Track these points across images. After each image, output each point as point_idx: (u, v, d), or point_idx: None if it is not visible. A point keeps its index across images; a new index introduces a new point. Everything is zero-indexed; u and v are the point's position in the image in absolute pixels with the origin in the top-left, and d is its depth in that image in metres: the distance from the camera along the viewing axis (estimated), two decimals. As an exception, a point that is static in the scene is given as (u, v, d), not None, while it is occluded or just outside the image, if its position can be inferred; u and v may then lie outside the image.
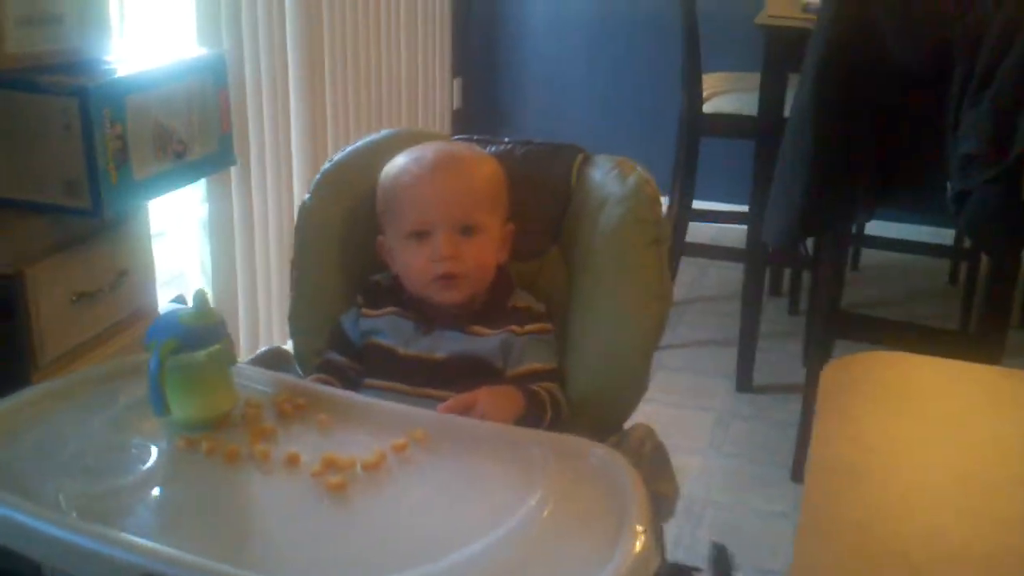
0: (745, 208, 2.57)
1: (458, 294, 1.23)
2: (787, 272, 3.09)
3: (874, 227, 3.09)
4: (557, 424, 1.17)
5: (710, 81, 2.78)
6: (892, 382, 1.03)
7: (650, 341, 1.23)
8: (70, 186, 1.36)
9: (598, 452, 1.01)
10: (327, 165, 1.36)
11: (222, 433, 1.04)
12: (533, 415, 1.15)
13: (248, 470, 0.99)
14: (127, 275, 1.58)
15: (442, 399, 1.13)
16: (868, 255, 3.31)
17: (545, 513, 0.92)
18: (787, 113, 2.16)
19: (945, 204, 1.76)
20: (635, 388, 1.24)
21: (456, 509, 0.94)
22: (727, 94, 2.75)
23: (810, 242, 2.79)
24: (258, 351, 1.38)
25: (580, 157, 1.32)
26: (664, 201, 1.59)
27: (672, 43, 2.75)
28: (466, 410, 1.10)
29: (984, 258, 2.37)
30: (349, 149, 1.37)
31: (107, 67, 1.43)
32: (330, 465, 0.97)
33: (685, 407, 2.49)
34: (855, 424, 0.93)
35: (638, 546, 0.84)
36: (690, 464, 2.20)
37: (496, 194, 1.26)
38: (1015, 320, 2.52)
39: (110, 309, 1.55)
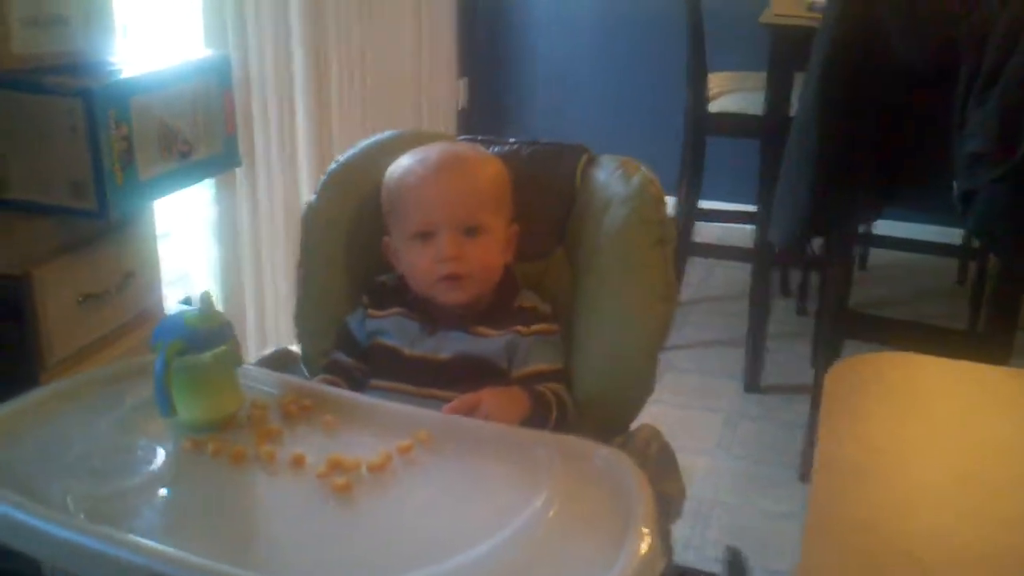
0: (752, 208, 2.57)
1: (463, 294, 1.23)
2: (795, 272, 3.08)
3: (882, 227, 3.08)
4: (563, 425, 1.17)
5: (715, 80, 2.78)
6: (899, 383, 1.02)
7: (655, 342, 1.22)
8: (76, 187, 1.36)
9: (603, 453, 1.01)
10: (333, 166, 1.36)
11: (228, 434, 1.04)
12: (538, 416, 1.15)
13: (254, 471, 0.99)
14: (133, 276, 1.59)
15: (447, 400, 1.12)
16: (876, 255, 3.30)
17: (550, 514, 0.91)
18: (793, 112, 2.15)
19: (951, 203, 1.75)
20: (641, 389, 1.24)
21: (461, 510, 0.94)
22: (732, 93, 2.74)
23: (817, 242, 2.78)
24: (266, 352, 1.39)
25: (584, 158, 1.31)
26: (670, 201, 1.58)
27: (677, 42, 2.74)
28: (471, 411, 1.10)
29: (992, 258, 2.36)
30: (355, 150, 1.37)
31: (112, 68, 1.43)
32: (335, 466, 0.97)
33: (693, 408, 2.48)
34: (862, 424, 0.93)
35: (644, 547, 0.84)
36: (698, 465, 2.20)
37: (500, 195, 1.26)
38: (1023, 320, 2.51)
39: (116, 310, 1.55)
